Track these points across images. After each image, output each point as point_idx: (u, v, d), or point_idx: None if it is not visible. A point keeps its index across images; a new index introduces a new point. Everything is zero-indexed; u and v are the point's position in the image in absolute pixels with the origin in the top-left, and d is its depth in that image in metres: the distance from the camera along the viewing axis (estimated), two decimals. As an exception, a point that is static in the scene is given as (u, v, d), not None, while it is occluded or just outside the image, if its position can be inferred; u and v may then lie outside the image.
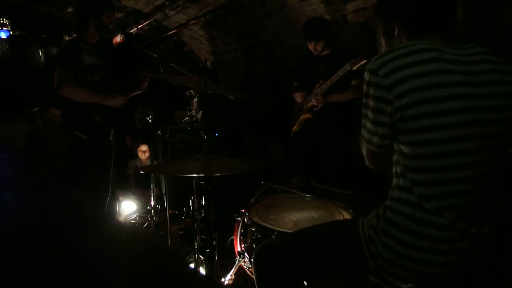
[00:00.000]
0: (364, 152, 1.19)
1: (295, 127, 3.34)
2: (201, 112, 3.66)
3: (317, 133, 3.18)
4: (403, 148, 1.07)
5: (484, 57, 1.08)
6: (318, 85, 3.00)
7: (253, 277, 1.36)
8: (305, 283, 1.38)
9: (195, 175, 1.42)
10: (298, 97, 3.19)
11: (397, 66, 1.03)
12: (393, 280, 1.11)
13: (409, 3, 1.14)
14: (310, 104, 3.07)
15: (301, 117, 3.20)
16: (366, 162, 1.22)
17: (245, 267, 1.91)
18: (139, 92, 2.77)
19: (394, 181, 1.14)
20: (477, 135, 1.02)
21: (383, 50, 1.16)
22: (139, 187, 4.37)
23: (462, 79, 1.02)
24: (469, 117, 1.01)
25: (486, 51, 1.10)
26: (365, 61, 2.60)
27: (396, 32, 1.19)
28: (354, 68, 2.64)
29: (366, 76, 1.09)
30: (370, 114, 1.10)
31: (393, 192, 1.14)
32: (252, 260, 1.36)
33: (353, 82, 2.94)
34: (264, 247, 1.35)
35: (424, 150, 1.03)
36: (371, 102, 1.08)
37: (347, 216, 1.78)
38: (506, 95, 1.04)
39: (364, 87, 1.10)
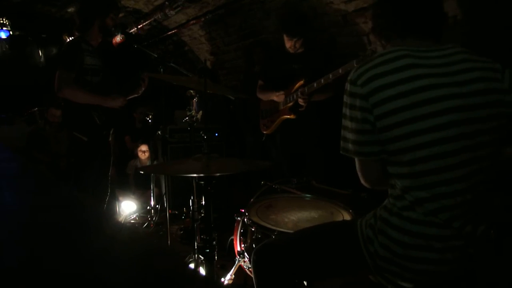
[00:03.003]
0: (358, 167, 1.19)
1: (268, 130, 3.21)
2: (201, 112, 3.66)
3: (300, 140, 3.07)
4: (390, 157, 1.08)
5: (463, 56, 1.09)
6: (299, 84, 2.87)
7: (252, 276, 1.36)
8: (305, 283, 1.38)
9: (195, 175, 1.42)
10: (279, 96, 3.01)
11: (373, 75, 1.06)
12: (393, 278, 1.12)
13: (388, 10, 1.19)
14: (291, 103, 2.94)
15: (280, 118, 3.08)
16: (361, 180, 1.21)
17: (245, 267, 1.91)
18: (136, 95, 2.76)
19: (389, 190, 1.16)
20: (461, 135, 1.02)
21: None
22: (139, 187, 4.37)
23: (439, 82, 1.04)
24: (451, 117, 1.02)
25: (465, 50, 1.12)
26: None
27: (382, 39, 1.23)
28: None
29: (347, 86, 1.12)
30: (350, 124, 1.11)
31: (389, 198, 1.16)
32: (251, 259, 1.36)
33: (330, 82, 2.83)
34: (263, 247, 1.35)
35: (409, 156, 1.04)
36: (350, 113, 1.10)
37: (346, 216, 1.78)
38: (487, 92, 1.05)
39: (344, 97, 1.13)
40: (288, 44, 2.93)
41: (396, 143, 1.04)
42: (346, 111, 1.12)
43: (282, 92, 3.00)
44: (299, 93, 2.86)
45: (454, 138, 1.02)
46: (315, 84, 2.76)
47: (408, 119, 1.01)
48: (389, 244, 1.09)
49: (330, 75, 2.63)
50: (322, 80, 2.69)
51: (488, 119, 1.05)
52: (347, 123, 1.13)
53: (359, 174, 1.19)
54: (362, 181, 1.21)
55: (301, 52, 2.97)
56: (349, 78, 1.12)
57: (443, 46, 1.13)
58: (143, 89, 2.76)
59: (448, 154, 1.02)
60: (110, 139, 2.73)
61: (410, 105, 1.01)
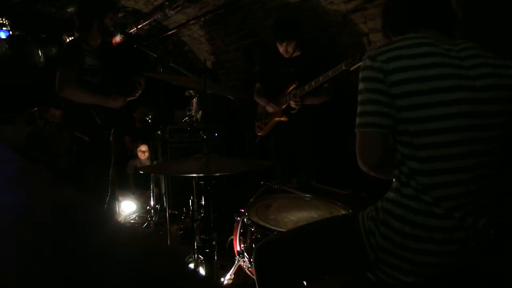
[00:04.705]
0: (360, 144, 1.13)
1: (262, 132, 3.25)
2: (200, 112, 3.66)
3: (293, 144, 3.10)
4: (399, 137, 1.10)
5: (476, 52, 1.12)
6: (292, 87, 2.91)
7: (253, 276, 1.36)
8: (305, 283, 1.38)
9: (194, 175, 1.42)
10: (270, 108, 3.06)
11: (394, 56, 1.08)
12: (392, 271, 1.12)
13: (397, 7, 1.23)
14: (284, 106, 2.97)
15: (272, 121, 3.11)
16: (360, 161, 1.15)
17: (244, 266, 1.91)
18: (132, 98, 2.76)
19: (394, 175, 1.16)
20: (471, 126, 1.05)
21: None
22: (138, 187, 4.37)
23: (455, 72, 1.07)
24: (462, 108, 1.04)
25: (477, 46, 1.15)
26: None
27: (394, 34, 1.25)
28: (352, 68, 2.49)
29: (364, 62, 1.13)
30: (365, 96, 1.11)
31: (392, 185, 1.17)
32: (252, 258, 1.36)
33: (325, 85, 2.83)
34: (264, 244, 1.35)
35: (419, 140, 1.06)
36: (366, 84, 1.11)
37: (346, 216, 1.78)
38: (498, 87, 1.08)
39: (361, 73, 1.13)
40: (280, 49, 2.95)
41: (408, 125, 1.06)
42: (362, 84, 1.12)
43: (275, 107, 3.04)
44: (291, 95, 2.89)
45: (463, 128, 1.04)
46: (306, 87, 2.79)
47: (421, 104, 1.04)
48: (390, 234, 1.10)
49: (321, 78, 2.65)
50: (313, 83, 2.72)
51: (498, 114, 1.08)
52: (362, 96, 1.12)
53: (359, 154, 1.14)
54: (361, 163, 1.14)
55: (298, 56, 2.99)
56: (367, 54, 1.13)
57: (456, 41, 1.16)
58: (139, 92, 2.76)
59: (456, 143, 1.04)
60: (110, 139, 2.73)
61: (425, 91, 1.04)
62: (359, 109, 1.14)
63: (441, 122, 1.03)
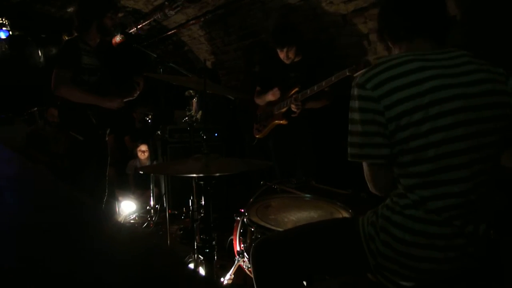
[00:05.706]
0: (367, 174, 1.18)
1: (260, 134, 3.25)
2: (200, 112, 3.67)
3: (291, 142, 3.10)
4: (397, 158, 1.09)
5: (468, 59, 1.12)
6: (294, 90, 2.90)
7: (252, 275, 1.35)
8: (305, 283, 1.38)
9: (194, 175, 1.42)
10: (275, 93, 3.00)
11: (384, 79, 1.06)
12: (393, 276, 1.12)
13: (393, 13, 1.20)
14: (284, 109, 2.97)
15: (272, 123, 3.10)
16: (371, 187, 1.20)
17: (244, 266, 1.91)
18: (131, 98, 2.75)
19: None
20: (468, 135, 1.04)
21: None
22: (138, 187, 4.37)
23: (448, 82, 1.06)
24: (459, 118, 1.03)
25: (468, 53, 1.14)
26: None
27: (389, 42, 1.24)
28: (356, 74, 2.46)
29: (354, 91, 1.12)
30: (360, 128, 1.10)
31: (391, 196, 1.16)
32: (250, 254, 1.36)
33: (326, 89, 2.81)
34: (263, 241, 1.35)
35: (417, 155, 1.05)
36: (361, 116, 1.10)
37: (346, 216, 1.78)
38: (494, 93, 1.08)
39: (352, 102, 1.12)
40: (281, 55, 2.94)
41: (407, 143, 1.05)
42: (355, 115, 1.11)
43: (276, 88, 2.99)
44: (292, 99, 2.88)
45: (461, 137, 1.04)
46: (308, 91, 2.78)
47: (419, 120, 1.03)
48: (390, 241, 1.10)
49: (323, 83, 2.64)
50: (316, 87, 2.71)
51: (494, 120, 1.07)
52: (356, 127, 1.12)
53: (368, 181, 1.19)
54: (372, 189, 1.20)
55: (299, 61, 2.98)
56: (356, 82, 1.12)
57: (446, 49, 1.14)
58: (138, 92, 2.76)
59: (455, 153, 1.04)
60: (106, 139, 2.73)
61: (420, 106, 1.03)
62: (355, 139, 1.13)
63: (438, 134, 1.02)
